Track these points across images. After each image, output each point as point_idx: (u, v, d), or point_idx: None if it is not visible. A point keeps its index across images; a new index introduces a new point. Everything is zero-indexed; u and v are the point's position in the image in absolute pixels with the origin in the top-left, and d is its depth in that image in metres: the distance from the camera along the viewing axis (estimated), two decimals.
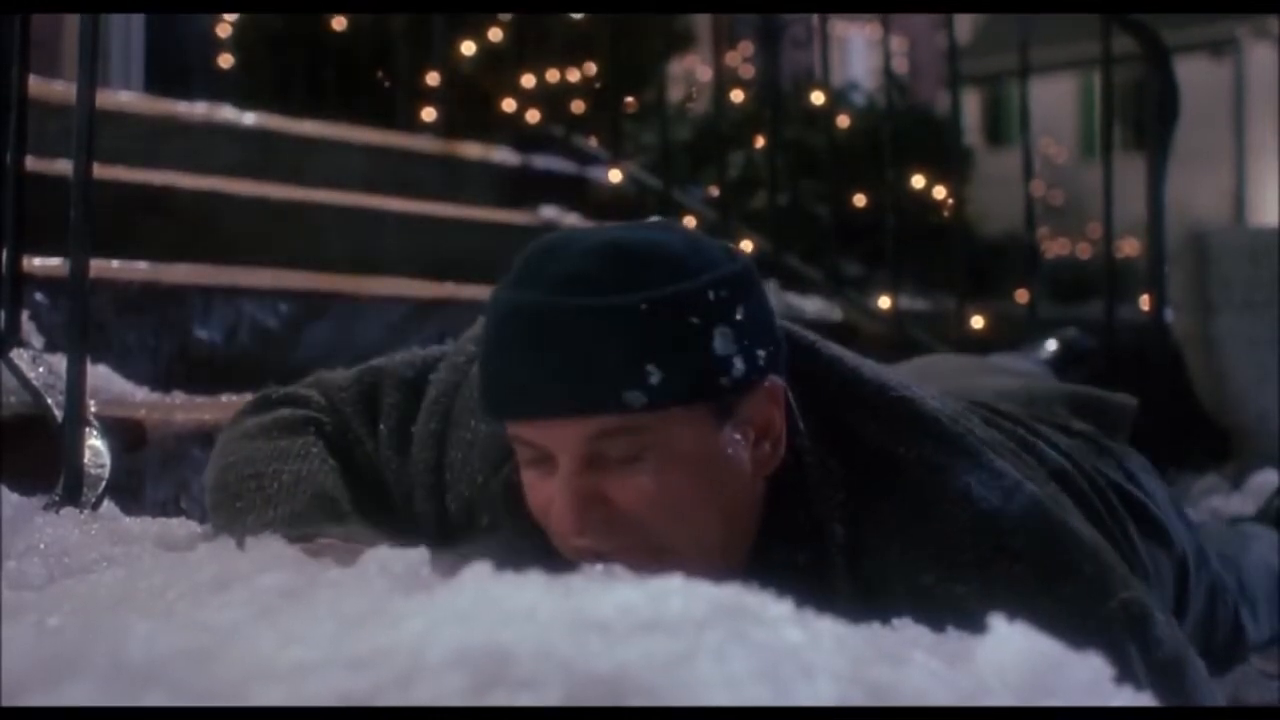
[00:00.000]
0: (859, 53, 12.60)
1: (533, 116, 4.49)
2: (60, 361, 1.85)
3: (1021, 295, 3.95)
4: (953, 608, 1.32)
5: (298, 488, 1.54)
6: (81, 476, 1.76)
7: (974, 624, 1.17)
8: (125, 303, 2.40)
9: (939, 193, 4.60)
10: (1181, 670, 1.42)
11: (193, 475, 2.02)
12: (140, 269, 2.49)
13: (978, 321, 3.79)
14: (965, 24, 16.11)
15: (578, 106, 4.76)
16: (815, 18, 4.21)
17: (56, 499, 1.72)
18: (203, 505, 1.99)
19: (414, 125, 4.51)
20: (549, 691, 0.85)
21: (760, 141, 4.53)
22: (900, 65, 12.13)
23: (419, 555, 1.26)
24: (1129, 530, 1.75)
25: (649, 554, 1.35)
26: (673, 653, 0.89)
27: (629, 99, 5.18)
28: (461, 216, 3.73)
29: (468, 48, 4.84)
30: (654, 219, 1.45)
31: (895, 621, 1.21)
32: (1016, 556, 1.39)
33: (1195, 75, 13.46)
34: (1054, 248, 12.89)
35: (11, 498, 1.62)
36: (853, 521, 1.42)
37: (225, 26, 5.90)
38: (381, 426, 1.61)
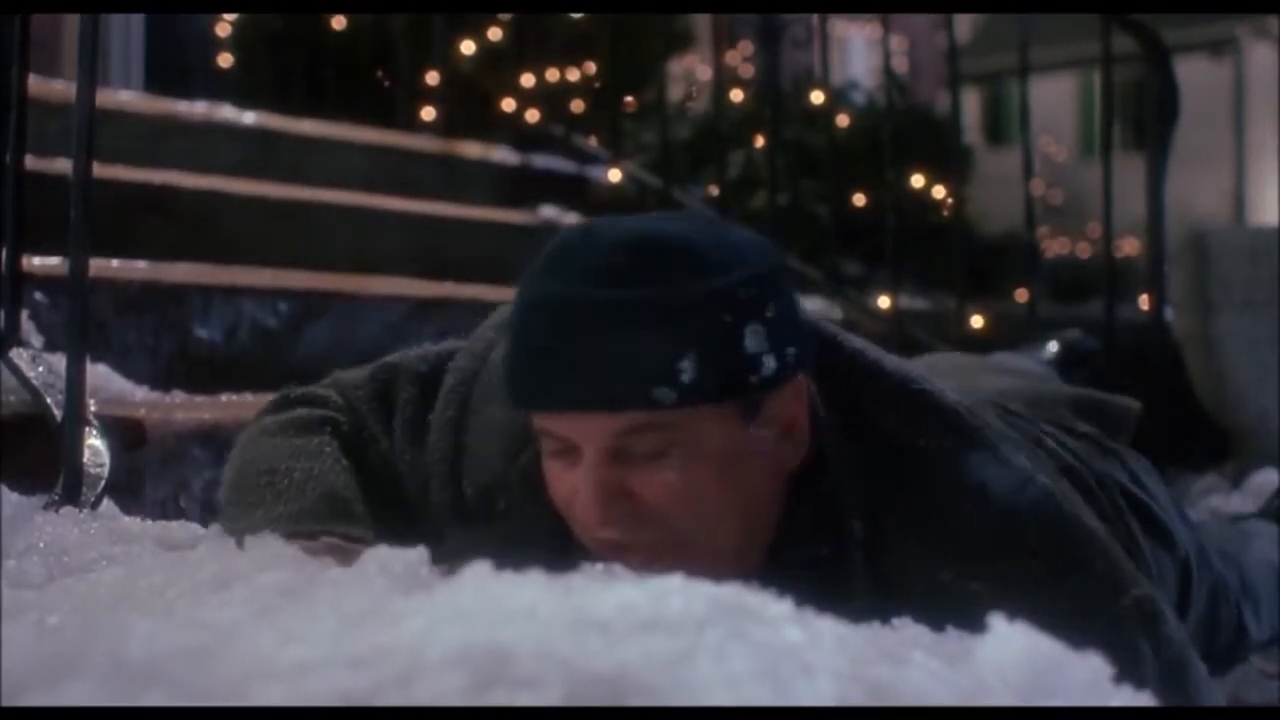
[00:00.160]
0: (859, 52, 12.60)
1: (532, 116, 4.49)
2: (60, 361, 1.85)
3: (1021, 294, 3.95)
4: (968, 604, 1.32)
5: (308, 485, 1.54)
6: (81, 476, 1.76)
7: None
8: (125, 302, 2.40)
9: (939, 192, 4.60)
10: (1186, 670, 1.42)
11: (192, 474, 2.02)
12: (140, 268, 2.49)
13: (977, 321, 3.79)
14: (965, 23, 16.12)
15: (577, 106, 4.76)
16: (815, 17, 4.21)
17: (56, 498, 1.72)
18: (202, 504, 2.00)
19: (414, 125, 4.52)
20: (549, 690, 0.85)
21: (760, 141, 4.52)
22: (900, 65, 12.13)
23: (418, 555, 1.26)
24: (1134, 530, 1.75)
25: (671, 548, 1.35)
26: (673, 652, 0.89)
27: (629, 98, 5.18)
28: (461, 216, 3.73)
29: (467, 47, 4.84)
30: (684, 211, 1.44)
31: (895, 621, 1.21)
32: (1032, 552, 1.39)
33: (1195, 75, 13.46)
34: (1054, 247, 12.89)
35: (11, 497, 1.62)
36: (872, 516, 1.41)
37: (225, 26, 5.89)
38: (396, 420, 1.60)
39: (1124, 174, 3.75)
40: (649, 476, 1.34)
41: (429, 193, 3.85)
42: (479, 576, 1.02)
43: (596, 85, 4.87)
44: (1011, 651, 0.98)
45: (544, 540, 1.43)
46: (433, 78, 4.63)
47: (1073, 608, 1.32)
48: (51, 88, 2.96)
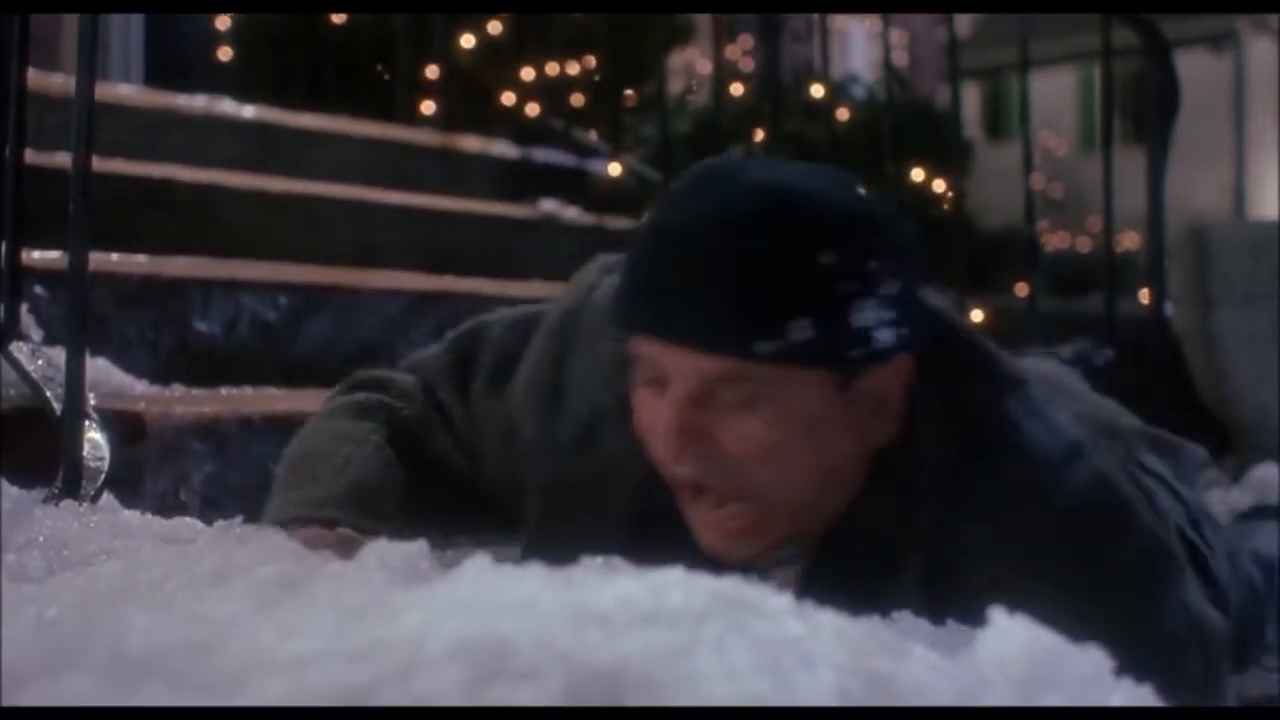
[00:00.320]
0: (859, 46, 12.58)
1: (532, 110, 4.49)
2: (59, 354, 1.85)
3: (1021, 289, 3.95)
4: (1021, 604, 1.33)
5: (342, 472, 1.56)
6: (81, 469, 1.76)
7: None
8: (125, 296, 2.40)
9: (939, 186, 4.60)
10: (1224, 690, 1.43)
11: (192, 468, 2.02)
12: (140, 262, 2.49)
13: (977, 315, 3.79)
14: (965, 17, 16.09)
15: (577, 100, 4.76)
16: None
17: (56, 492, 1.72)
18: (202, 498, 2.01)
19: (414, 118, 4.51)
20: (549, 683, 0.85)
21: (760, 135, 4.52)
22: (900, 59, 12.10)
23: (418, 548, 1.26)
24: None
25: (740, 496, 1.37)
26: (673, 644, 0.89)
27: (629, 92, 5.17)
28: (461, 210, 3.72)
29: (467, 41, 4.83)
30: (828, 169, 1.44)
31: (895, 614, 1.21)
32: (1105, 569, 1.37)
33: (1195, 69, 13.44)
34: (1054, 241, 12.90)
35: (11, 490, 1.62)
36: (947, 504, 1.40)
37: (225, 20, 5.88)
38: (479, 374, 1.61)
39: (1124, 168, 3.75)
40: (731, 423, 1.35)
41: (429, 186, 3.85)
42: (478, 569, 1.02)
43: (596, 79, 4.86)
44: (1012, 644, 0.98)
45: (630, 475, 1.45)
46: (433, 71, 4.62)
47: (1132, 629, 1.31)
48: (51, 81, 2.95)
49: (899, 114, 4.73)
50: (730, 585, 0.99)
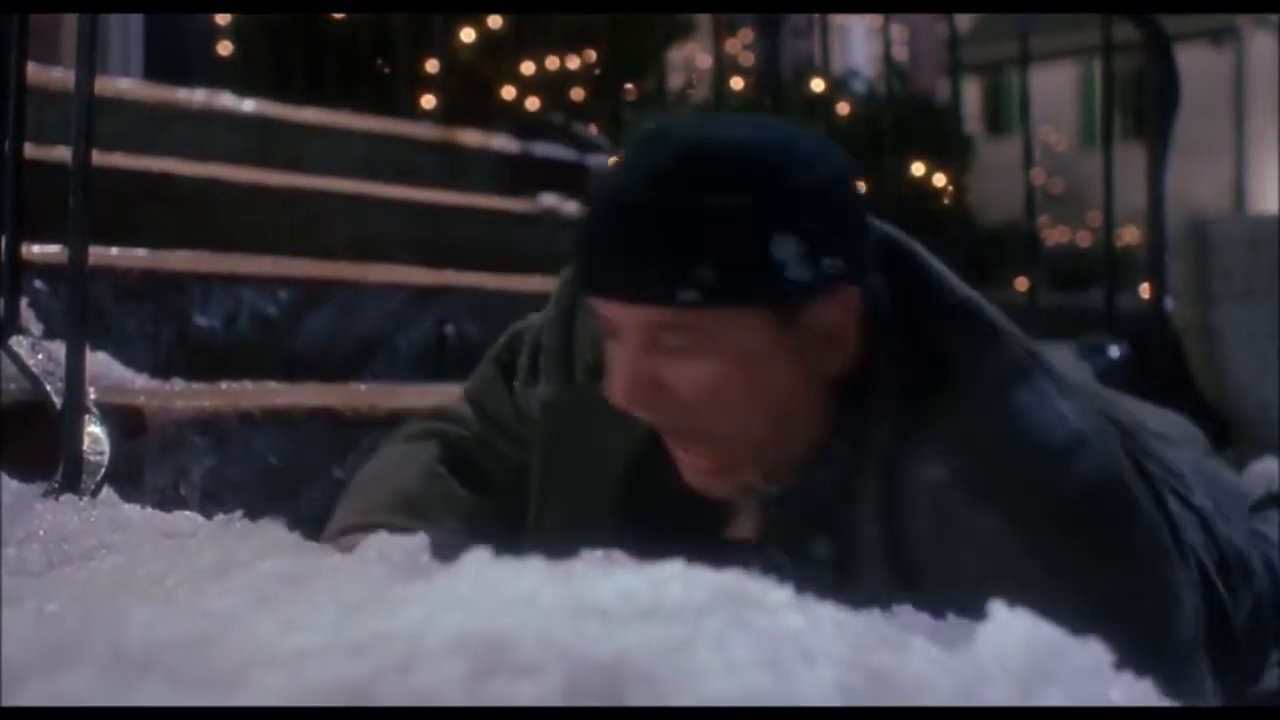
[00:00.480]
0: (859, 41, 12.59)
1: (532, 104, 4.48)
2: (59, 348, 1.84)
3: (1021, 283, 3.95)
4: (976, 537, 1.34)
5: (389, 484, 1.66)
6: (81, 463, 1.76)
7: (989, 561, 1.21)
8: (124, 290, 2.40)
9: (939, 181, 4.60)
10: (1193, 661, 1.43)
11: (192, 462, 2.02)
12: (139, 256, 2.49)
13: None
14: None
15: (578, 94, 4.75)
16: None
17: (56, 486, 1.72)
18: (202, 492, 2.00)
19: (414, 112, 4.50)
20: (549, 678, 0.84)
21: None
22: (900, 53, 12.11)
23: (418, 542, 1.26)
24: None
25: (702, 438, 1.43)
26: (673, 639, 0.89)
27: (629, 86, 5.17)
28: (461, 204, 3.72)
29: (467, 35, 4.83)
30: (770, 118, 1.49)
31: (896, 608, 1.21)
32: (1057, 501, 1.38)
33: (1195, 64, 13.42)
34: (1054, 236, 12.91)
35: (11, 485, 1.62)
36: (903, 431, 1.42)
37: (224, 14, 5.88)
38: (516, 380, 1.69)
39: (1124, 163, 3.75)
40: (678, 369, 1.40)
41: (429, 180, 3.84)
42: (478, 563, 1.02)
43: (597, 73, 4.85)
44: (1012, 637, 0.98)
45: (630, 425, 1.49)
46: (433, 65, 4.61)
47: (1086, 569, 1.32)
48: (50, 75, 2.95)
49: (899, 109, 4.73)
50: (730, 579, 0.99)
